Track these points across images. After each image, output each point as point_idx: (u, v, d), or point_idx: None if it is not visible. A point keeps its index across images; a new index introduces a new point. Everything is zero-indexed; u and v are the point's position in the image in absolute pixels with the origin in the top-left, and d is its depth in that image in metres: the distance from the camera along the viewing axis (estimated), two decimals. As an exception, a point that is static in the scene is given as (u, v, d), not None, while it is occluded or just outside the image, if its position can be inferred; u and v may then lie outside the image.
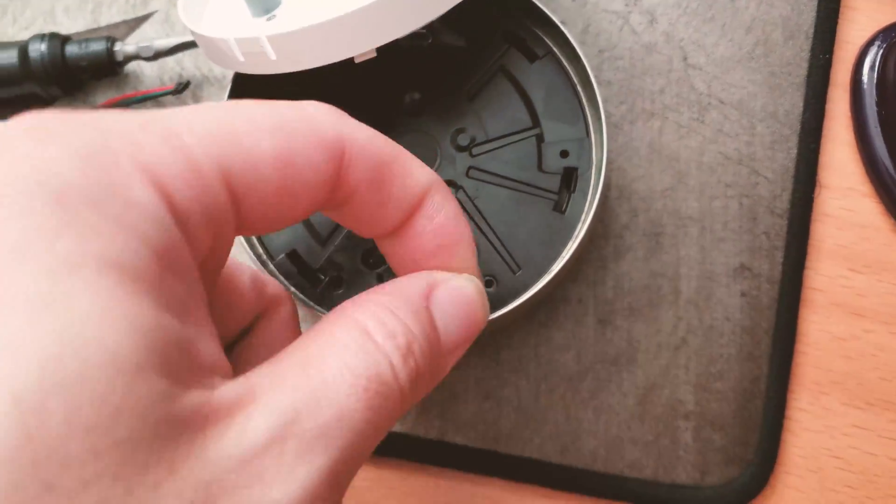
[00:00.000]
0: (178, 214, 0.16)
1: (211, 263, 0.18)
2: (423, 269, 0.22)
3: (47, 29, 0.34)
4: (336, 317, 0.19)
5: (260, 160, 0.18)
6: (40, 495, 0.13)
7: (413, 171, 0.21)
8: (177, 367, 0.15)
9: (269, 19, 0.23)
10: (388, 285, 0.20)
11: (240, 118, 0.18)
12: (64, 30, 0.34)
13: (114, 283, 0.14)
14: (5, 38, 0.34)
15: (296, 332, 0.23)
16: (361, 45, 0.23)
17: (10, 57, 0.31)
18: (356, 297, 0.20)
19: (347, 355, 0.18)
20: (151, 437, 0.14)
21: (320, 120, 0.19)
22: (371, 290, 0.20)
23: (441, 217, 0.22)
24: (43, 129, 0.16)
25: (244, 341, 0.22)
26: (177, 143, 0.16)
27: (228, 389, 0.16)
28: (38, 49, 0.31)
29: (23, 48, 0.31)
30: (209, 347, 0.16)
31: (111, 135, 0.16)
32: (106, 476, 0.13)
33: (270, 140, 0.18)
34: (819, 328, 0.31)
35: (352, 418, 0.17)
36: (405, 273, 0.22)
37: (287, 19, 0.23)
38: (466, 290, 0.22)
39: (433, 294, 0.21)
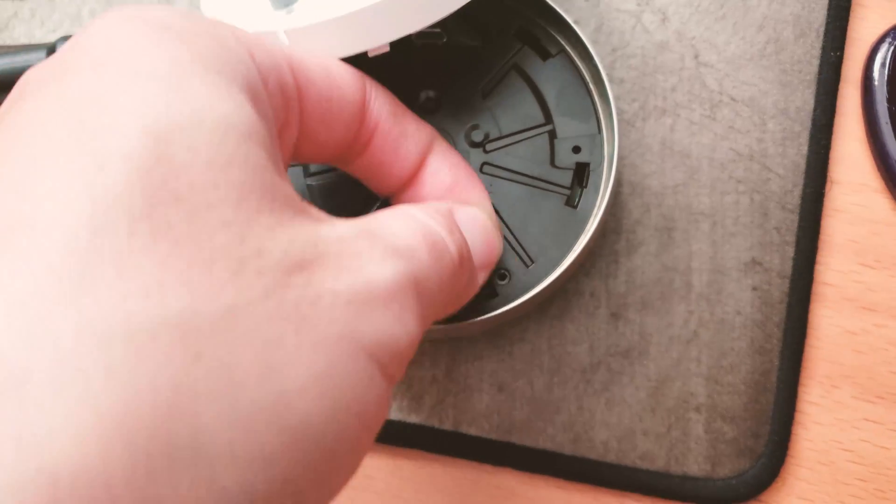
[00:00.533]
0: (261, 73, 0.19)
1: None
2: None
3: (74, 31, 0.35)
4: (379, 210, 0.21)
5: (308, 65, 0.21)
6: (170, 202, 0.14)
7: (419, 119, 0.24)
8: (273, 156, 0.17)
9: (288, 12, 0.24)
10: (415, 204, 0.22)
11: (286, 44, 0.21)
12: (90, 31, 0.35)
13: (220, 79, 0.17)
14: (34, 41, 0.35)
15: None
16: (377, 39, 0.23)
17: (38, 58, 0.32)
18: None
19: (402, 217, 0.20)
20: (262, 192, 0.16)
21: (339, 60, 0.22)
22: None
23: (452, 156, 0.25)
24: (145, 5, 0.19)
25: None
26: (252, 35, 0.19)
27: (312, 207, 0.18)
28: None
29: (51, 49, 0.32)
30: (287, 179, 0.18)
31: (198, 13, 0.19)
32: (227, 204, 0.15)
33: (313, 56, 0.21)
34: (830, 322, 0.31)
35: (417, 252, 0.19)
36: None
37: (305, 12, 0.24)
38: (480, 215, 0.24)
39: (455, 214, 0.23)
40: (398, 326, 0.17)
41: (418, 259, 0.19)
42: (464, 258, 0.21)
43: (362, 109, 0.22)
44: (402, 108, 0.24)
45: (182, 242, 0.14)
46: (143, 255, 0.14)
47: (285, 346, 0.15)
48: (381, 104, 0.23)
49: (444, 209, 0.22)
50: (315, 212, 0.18)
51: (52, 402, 0.12)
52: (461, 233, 0.22)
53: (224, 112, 0.16)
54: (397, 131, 0.23)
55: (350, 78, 0.22)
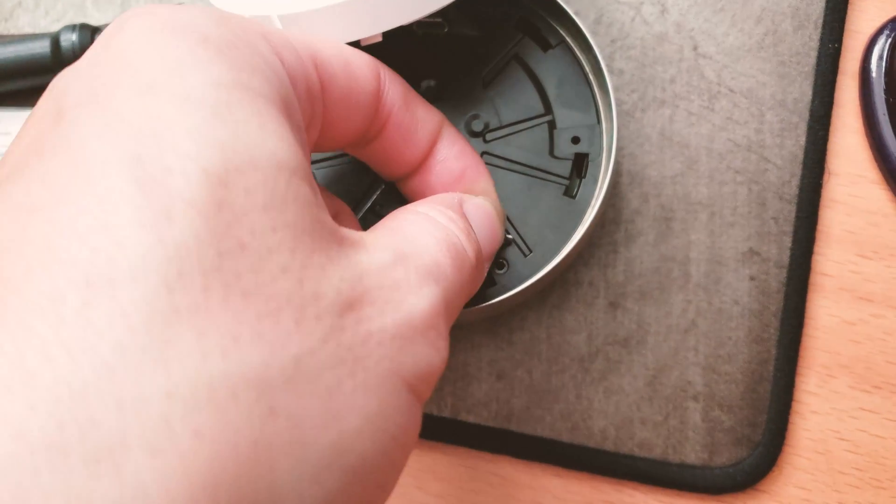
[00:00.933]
0: (290, 78, 0.19)
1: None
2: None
3: (78, 20, 0.35)
4: (399, 212, 0.21)
5: (330, 59, 0.21)
6: (236, 252, 0.15)
7: (428, 104, 0.24)
8: (314, 188, 0.17)
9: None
10: (426, 199, 0.23)
11: (306, 33, 0.21)
12: (94, 21, 0.35)
13: (263, 105, 0.17)
14: (38, 30, 0.35)
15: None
16: (373, 28, 0.24)
17: (42, 47, 0.33)
18: (404, 206, 0.22)
19: (425, 226, 0.20)
20: (311, 229, 0.16)
21: (357, 49, 0.22)
22: (411, 203, 0.23)
23: (460, 142, 0.25)
24: (174, 5, 0.18)
25: None
26: (276, 30, 0.19)
27: (346, 231, 0.18)
28: (70, 39, 0.32)
29: (55, 38, 0.33)
30: (319, 194, 0.18)
31: (229, 13, 0.19)
32: (284, 247, 0.15)
33: (332, 46, 0.21)
34: (827, 312, 0.32)
35: (444, 268, 0.19)
36: None
37: None
38: (487, 206, 0.25)
39: (463, 206, 0.23)
40: (434, 353, 0.18)
41: (446, 276, 0.19)
42: (479, 259, 0.22)
43: (377, 99, 0.22)
44: (413, 94, 0.24)
45: (250, 293, 0.15)
46: (218, 311, 0.14)
47: (343, 390, 0.16)
48: (394, 92, 0.23)
49: (456, 204, 0.23)
50: (348, 234, 0.18)
51: (148, 467, 0.13)
52: (474, 232, 0.23)
53: (272, 149, 0.16)
54: (409, 119, 0.24)
55: (367, 68, 0.22)
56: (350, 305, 0.16)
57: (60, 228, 0.14)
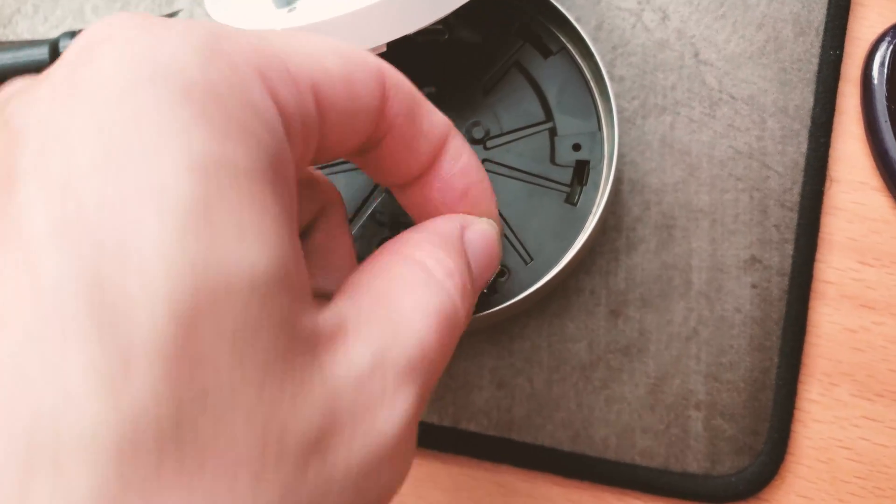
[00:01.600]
0: (285, 122, 0.17)
1: None
2: (452, 213, 0.23)
3: (77, 27, 0.35)
4: (393, 256, 0.20)
5: (333, 77, 0.18)
6: (198, 400, 0.13)
7: (435, 111, 0.22)
8: (294, 288, 0.16)
9: (290, 11, 0.24)
10: (426, 225, 0.22)
11: (309, 42, 0.19)
12: (92, 28, 0.35)
13: (246, 194, 0.15)
14: (37, 36, 0.35)
15: (347, 236, 0.23)
16: (376, 39, 0.24)
17: (41, 53, 0.32)
18: (400, 236, 0.21)
19: (418, 293, 0.19)
20: (284, 352, 0.15)
21: (363, 52, 0.20)
22: (411, 229, 0.21)
23: (465, 157, 0.23)
24: (155, 25, 0.16)
25: (303, 245, 0.22)
26: (273, 53, 0.17)
27: (326, 318, 0.17)
28: (68, 45, 0.32)
29: (53, 45, 0.33)
30: (302, 267, 0.17)
31: (221, 37, 0.16)
32: (252, 385, 0.14)
33: (337, 59, 0.19)
34: (829, 320, 0.31)
35: (431, 352, 0.18)
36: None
37: (306, 12, 0.24)
38: (490, 233, 0.23)
39: (465, 235, 0.22)
40: (396, 480, 0.17)
41: (430, 362, 0.18)
42: (468, 312, 0.21)
43: (380, 114, 0.21)
44: (418, 103, 0.22)
45: (208, 452, 0.13)
46: (171, 485, 0.13)
47: None
48: (399, 103, 0.21)
49: (456, 239, 0.21)
50: (324, 329, 0.16)
51: None
52: (473, 284, 0.21)
53: (252, 262, 0.14)
54: (412, 130, 0.21)
55: (372, 83, 0.20)
56: (317, 444, 0.15)
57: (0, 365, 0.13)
